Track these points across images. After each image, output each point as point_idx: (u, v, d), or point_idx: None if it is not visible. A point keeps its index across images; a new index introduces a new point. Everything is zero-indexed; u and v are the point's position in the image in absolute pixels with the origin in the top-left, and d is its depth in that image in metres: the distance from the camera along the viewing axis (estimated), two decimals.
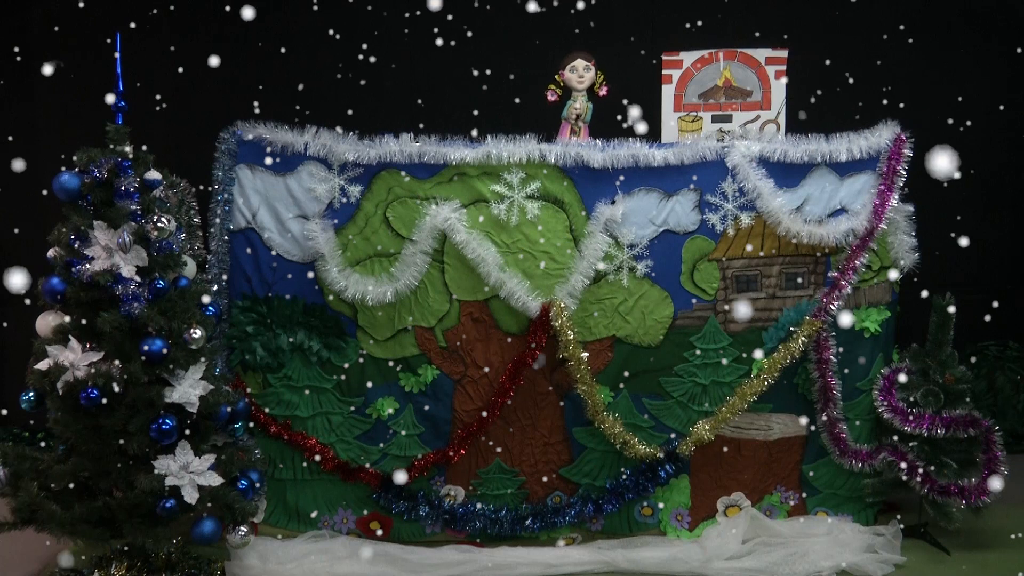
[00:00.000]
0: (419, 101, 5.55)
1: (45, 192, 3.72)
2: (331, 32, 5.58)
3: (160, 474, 3.48)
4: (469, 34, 5.51)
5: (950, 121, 5.55)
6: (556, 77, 4.44)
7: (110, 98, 3.71)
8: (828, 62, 5.53)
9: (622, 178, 4.26)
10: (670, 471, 4.39)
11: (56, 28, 5.59)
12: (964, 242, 4.75)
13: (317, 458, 4.37)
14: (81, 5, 5.44)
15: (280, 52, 5.57)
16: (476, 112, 5.09)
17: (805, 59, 4.92)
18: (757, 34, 5.02)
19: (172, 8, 5.55)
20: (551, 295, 4.27)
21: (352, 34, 5.57)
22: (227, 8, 5.37)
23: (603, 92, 4.45)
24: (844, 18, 5.63)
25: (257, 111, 4.47)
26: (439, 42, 5.36)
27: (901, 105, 5.18)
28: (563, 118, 4.47)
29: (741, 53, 4.63)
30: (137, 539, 3.63)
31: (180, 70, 5.49)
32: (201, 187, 4.45)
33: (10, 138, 5.59)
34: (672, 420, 4.43)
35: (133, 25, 5.30)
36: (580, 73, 4.40)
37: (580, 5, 5.41)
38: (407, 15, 5.61)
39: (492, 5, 5.56)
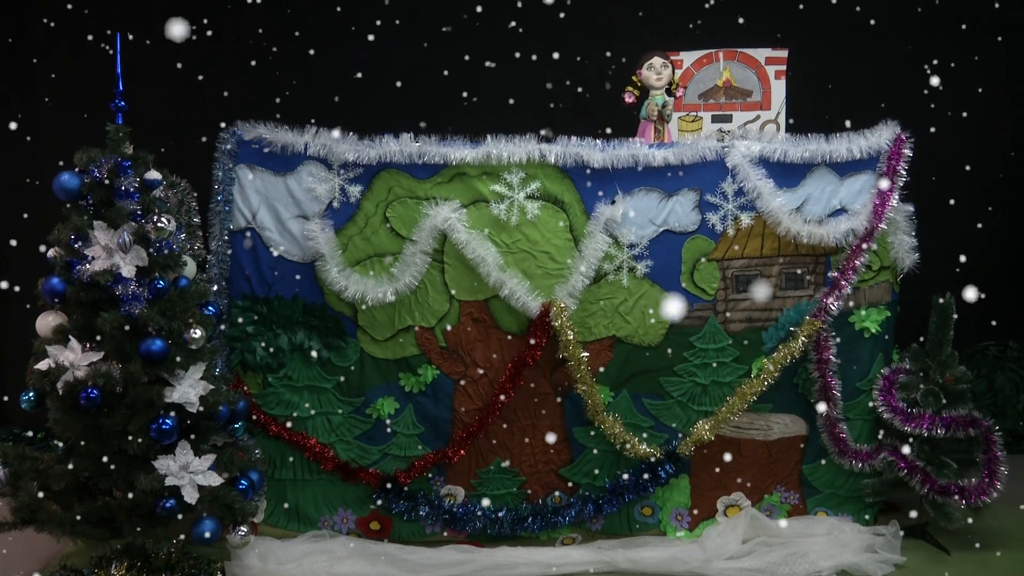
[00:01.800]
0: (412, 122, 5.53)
1: (45, 192, 3.72)
2: (331, 31, 5.58)
3: (160, 474, 3.47)
4: (467, 48, 5.51)
5: (949, 121, 5.55)
6: (633, 78, 4.43)
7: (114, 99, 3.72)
8: (828, 62, 5.53)
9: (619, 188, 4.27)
10: (670, 471, 4.39)
11: (56, 28, 5.59)
12: (963, 245, 4.76)
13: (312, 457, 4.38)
14: (76, 5, 5.45)
15: (281, 52, 5.57)
16: (476, 113, 5.10)
17: (805, 59, 4.92)
18: (757, 34, 5.02)
19: (172, 7, 5.55)
20: (551, 295, 4.27)
21: (352, 33, 5.57)
22: (227, 7, 5.37)
23: (679, 93, 4.46)
24: (844, 18, 5.63)
25: (256, 111, 4.46)
26: (440, 41, 5.36)
27: (901, 105, 5.18)
28: (642, 118, 4.46)
29: (741, 53, 4.63)
30: (137, 539, 3.64)
31: (179, 70, 5.49)
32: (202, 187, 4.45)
33: (11, 134, 5.58)
34: (672, 420, 4.43)
35: (131, 32, 5.29)
36: (658, 70, 4.40)
37: (581, 5, 5.42)
38: (404, 11, 5.62)
39: (493, 6, 5.57)
